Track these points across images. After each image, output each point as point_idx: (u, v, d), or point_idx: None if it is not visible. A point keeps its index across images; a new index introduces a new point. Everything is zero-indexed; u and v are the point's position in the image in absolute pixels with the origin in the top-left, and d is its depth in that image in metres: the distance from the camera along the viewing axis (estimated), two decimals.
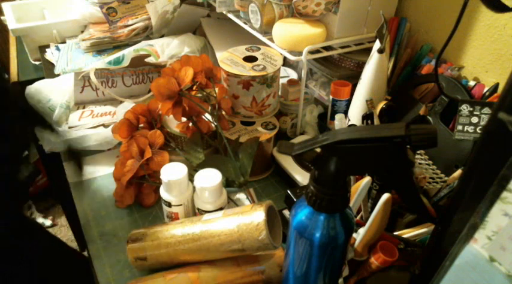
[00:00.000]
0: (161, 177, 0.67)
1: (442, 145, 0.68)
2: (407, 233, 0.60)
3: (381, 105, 0.73)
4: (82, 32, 1.28)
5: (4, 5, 1.35)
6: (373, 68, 0.74)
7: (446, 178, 0.66)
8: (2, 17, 1.37)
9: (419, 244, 0.57)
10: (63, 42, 1.29)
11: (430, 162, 0.68)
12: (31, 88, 0.98)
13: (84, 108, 1.00)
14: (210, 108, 0.79)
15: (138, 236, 0.64)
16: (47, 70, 1.19)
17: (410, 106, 0.75)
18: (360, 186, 0.54)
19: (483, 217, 0.32)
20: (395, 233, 0.60)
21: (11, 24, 1.24)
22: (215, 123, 0.79)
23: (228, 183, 0.78)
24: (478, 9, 0.72)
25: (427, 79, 0.76)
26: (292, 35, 0.80)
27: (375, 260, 0.53)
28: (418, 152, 0.69)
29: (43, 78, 1.07)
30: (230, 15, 0.99)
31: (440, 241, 0.44)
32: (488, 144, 0.34)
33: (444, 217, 0.43)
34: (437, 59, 0.66)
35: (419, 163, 0.69)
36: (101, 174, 0.87)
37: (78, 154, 0.87)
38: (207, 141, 0.82)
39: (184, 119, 0.80)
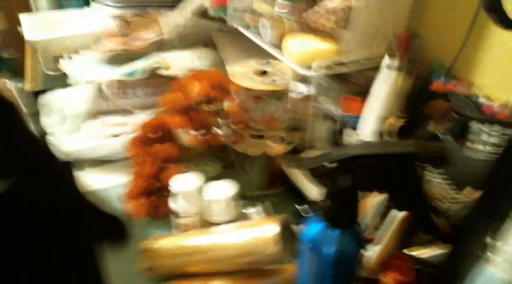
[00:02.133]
0: (170, 188, 0.67)
1: (453, 163, 0.68)
2: (423, 253, 0.60)
3: (392, 121, 0.74)
4: (96, 43, 1.30)
5: (22, 16, 1.38)
6: (383, 84, 0.74)
7: (459, 196, 0.66)
8: (20, 28, 1.40)
9: (435, 264, 0.56)
10: (78, 53, 1.31)
11: (444, 181, 0.68)
12: (45, 98, 1.00)
13: (96, 118, 1.01)
14: (219, 121, 0.80)
15: (149, 246, 0.64)
16: (61, 80, 1.21)
17: (421, 122, 0.75)
18: (374, 203, 0.54)
19: (500, 240, 0.32)
20: (410, 253, 0.59)
21: (28, 35, 1.26)
22: (225, 137, 0.80)
23: (240, 196, 0.78)
24: (489, 25, 0.72)
25: (437, 96, 0.76)
26: (303, 50, 0.81)
27: (390, 279, 0.53)
28: (430, 169, 0.69)
29: (57, 88, 1.09)
30: (241, 29, 1.00)
31: (456, 263, 0.43)
32: (503, 164, 0.34)
33: (460, 237, 0.43)
34: (447, 75, 0.67)
35: (432, 181, 0.68)
36: (113, 184, 0.87)
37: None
38: (218, 153, 0.83)
39: (194, 132, 0.81)
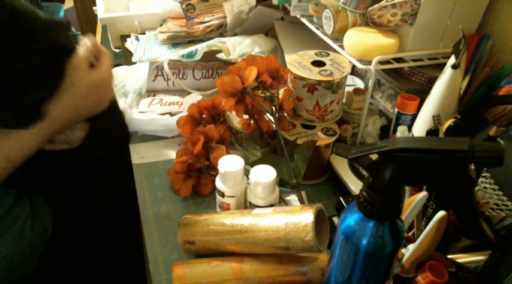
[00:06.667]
0: (218, 167, 0.69)
1: (511, 172, 0.64)
2: (462, 258, 0.57)
3: (449, 122, 0.70)
4: (161, 25, 1.35)
5: None
6: (445, 84, 0.71)
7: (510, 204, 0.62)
8: (94, 7, 1.48)
9: (472, 270, 0.54)
10: (143, 33, 1.37)
11: (496, 187, 0.65)
12: None
13: (154, 95, 1.06)
14: (272, 108, 0.80)
15: (189, 220, 0.66)
16: (126, 57, 1.27)
17: (482, 127, 0.72)
18: (415, 200, 0.52)
19: None
20: (447, 255, 0.57)
21: (100, 13, 1.34)
22: (275, 123, 0.80)
23: (281, 183, 0.78)
24: None
25: (504, 101, 0.72)
26: (363, 43, 0.80)
27: (422, 280, 0.51)
28: (484, 175, 0.65)
29: (121, 64, 1.15)
30: (303, 20, 0.99)
31: (496, 268, 0.41)
32: None
33: (504, 242, 0.41)
34: None
35: (484, 187, 0.65)
36: (162, 159, 0.91)
37: None
38: (266, 139, 0.83)
39: (246, 116, 0.82)
